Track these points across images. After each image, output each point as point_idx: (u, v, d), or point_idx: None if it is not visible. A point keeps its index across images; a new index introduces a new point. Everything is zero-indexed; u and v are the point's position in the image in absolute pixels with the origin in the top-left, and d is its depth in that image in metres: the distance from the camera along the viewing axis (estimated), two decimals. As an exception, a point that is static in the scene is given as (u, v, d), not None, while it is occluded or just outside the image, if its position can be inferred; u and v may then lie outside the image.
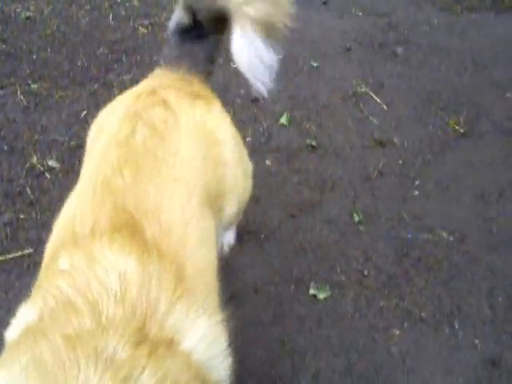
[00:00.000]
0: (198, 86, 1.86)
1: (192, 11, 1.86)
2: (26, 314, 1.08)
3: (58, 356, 0.85)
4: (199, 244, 1.37)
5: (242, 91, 3.58)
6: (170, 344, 1.00)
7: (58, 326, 0.94)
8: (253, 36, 1.72)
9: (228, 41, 1.81)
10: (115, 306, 1.00)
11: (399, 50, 4.23)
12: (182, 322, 1.08)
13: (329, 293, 2.45)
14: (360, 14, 4.76)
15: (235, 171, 1.88)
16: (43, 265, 1.30)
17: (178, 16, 1.92)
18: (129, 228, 1.20)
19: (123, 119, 1.58)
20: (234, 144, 1.87)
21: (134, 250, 1.14)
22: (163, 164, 1.44)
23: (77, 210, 1.30)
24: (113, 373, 0.83)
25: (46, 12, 4.55)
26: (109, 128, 1.61)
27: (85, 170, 1.63)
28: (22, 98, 3.51)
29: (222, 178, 1.75)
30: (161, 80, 1.85)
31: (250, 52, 1.73)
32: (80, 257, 1.11)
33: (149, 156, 1.44)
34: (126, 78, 3.71)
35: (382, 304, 2.42)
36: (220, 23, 1.86)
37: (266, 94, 1.76)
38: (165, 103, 1.64)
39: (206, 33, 1.90)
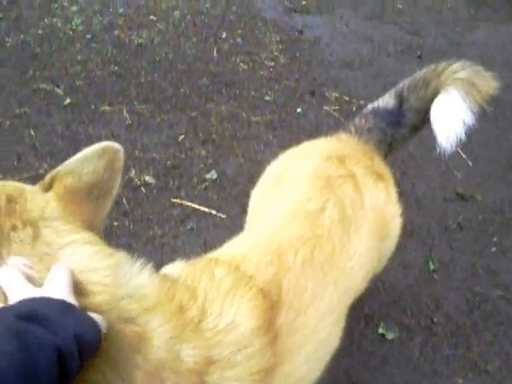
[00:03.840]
0: (379, 164, 1.87)
1: (401, 98, 1.96)
2: (172, 268, 1.32)
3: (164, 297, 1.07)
4: (308, 358, 1.35)
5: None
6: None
7: (178, 291, 1.13)
8: (457, 95, 1.83)
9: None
10: (205, 331, 1.10)
11: (489, 108, 4.27)
12: None
13: (397, 334, 2.51)
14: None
15: (381, 265, 1.90)
16: (210, 255, 1.44)
17: (384, 98, 2.02)
18: (269, 303, 1.25)
19: (315, 184, 1.60)
20: (396, 241, 1.87)
21: (260, 320, 1.19)
22: (336, 261, 1.45)
23: (249, 252, 1.37)
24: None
25: (156, 40, 4.88)
26: (297, 184, 1.64)
27: (259, 209, 1.73)
28: (127, 116, 3.79)
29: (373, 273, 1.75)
30: (346, 147, 1.85)
31: (452, 109, 1.83)
32: (228, 283, 1.23)
33: (328, 246, 1.45)
34: (224, 109, 3.94)
35: (448, 352, 2.46)
36: (421, 117, 1.94)
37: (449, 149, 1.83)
38: (354, 179, 1.65)
39: (405, 123, 1.97)
